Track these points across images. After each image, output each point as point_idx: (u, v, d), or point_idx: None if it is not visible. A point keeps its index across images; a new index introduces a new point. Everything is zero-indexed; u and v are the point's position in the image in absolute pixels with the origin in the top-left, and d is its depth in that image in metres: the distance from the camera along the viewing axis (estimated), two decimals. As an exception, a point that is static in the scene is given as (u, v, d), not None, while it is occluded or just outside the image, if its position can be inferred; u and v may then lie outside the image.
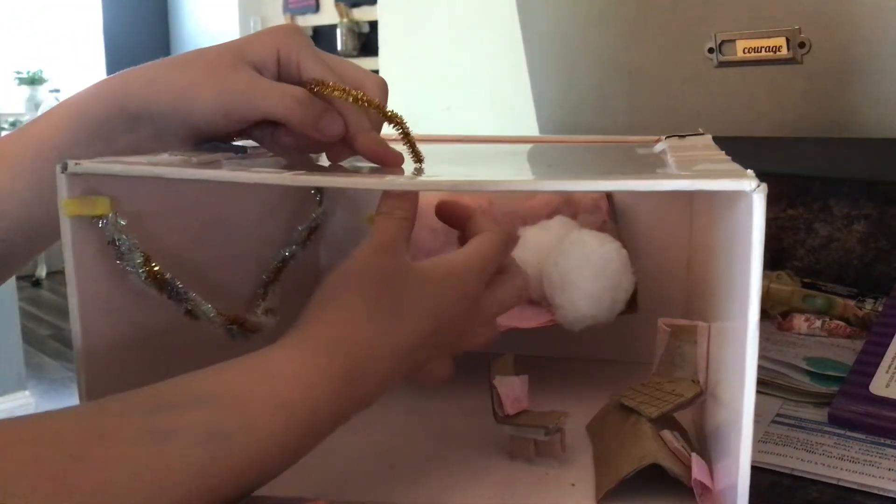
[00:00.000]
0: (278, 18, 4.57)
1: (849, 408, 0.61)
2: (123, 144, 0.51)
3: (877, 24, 0.77)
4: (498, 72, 1.33)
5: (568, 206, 0.72)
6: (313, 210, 0.73)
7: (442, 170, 0.59)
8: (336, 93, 0.50)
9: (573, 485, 0.50)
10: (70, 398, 2.61)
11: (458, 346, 0.50)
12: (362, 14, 4.12)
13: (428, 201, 0.74)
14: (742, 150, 0.53)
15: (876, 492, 0.51)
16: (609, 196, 0.72)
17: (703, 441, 0.53)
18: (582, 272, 0.61)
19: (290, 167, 0.53)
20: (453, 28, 1.41)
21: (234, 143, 0.55)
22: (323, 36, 4.36)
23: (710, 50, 0.86)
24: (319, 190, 0.74)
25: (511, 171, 0.64)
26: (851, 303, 0.82)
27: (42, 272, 4.04)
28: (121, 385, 0.48)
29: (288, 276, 0.66)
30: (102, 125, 0.50)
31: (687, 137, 0.65)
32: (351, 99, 0.51)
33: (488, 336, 0.51)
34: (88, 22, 5.36)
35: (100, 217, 0.46)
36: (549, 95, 1.08)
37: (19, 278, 2.28)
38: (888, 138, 0.80)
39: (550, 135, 1.07)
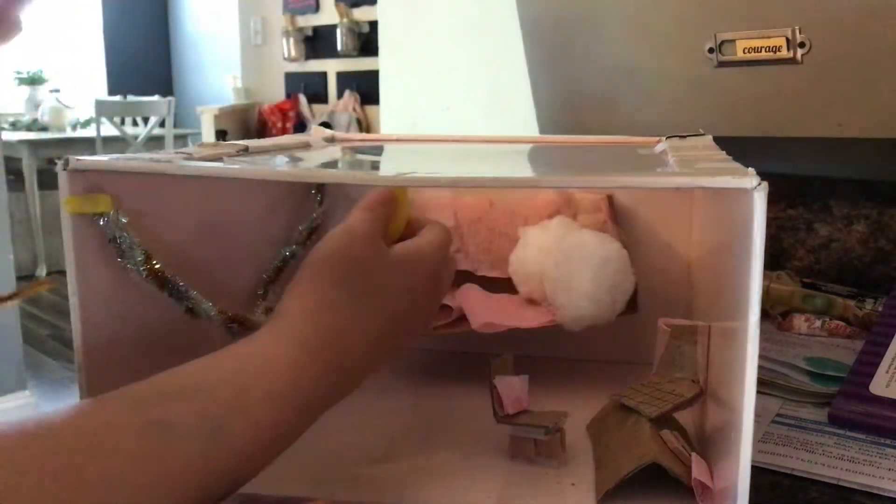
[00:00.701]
0: (278, 18, 4.56)
1: (849, 408, 0.60)
2: None
3: (877, 24, 0.77)
4: (498, 72, 1.33)
5: (568, 206, 0.72)
6: (314, 209, 0.73)
7: (442, 168, 0.59)
8: None
9: (573, 485, 0.50)
10: (70, 398, 2.61)
11: (427, 324, 0.54)
12: (362, 14, 4.12)
13: (428, 200, 0.75)
14: (742, 150, 0.53)
15: (876, 492, 0.51)
16: (609, 196, 0.72)
17: (703, 441, 0.53)
18: (582, 272, 0.61)
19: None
20: (453, 28, 1.41)
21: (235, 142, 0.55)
22: (323, 36, 4.36)
23: (710, 50, 0.86)
24: (320, 189, 0.74)
25: (511, 170, 0.64)
26: (851, 303, 0.82)
27: (42, 272, 4.04)
28: (121, 384, 0.48)
29: (288, 276, 0.66)
30: None
31: (687, 138, 0.65)
32: None
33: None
34: (88, 22, 5.36)
35: (101, 214, 0.46)
36: (549, 95, 1.08)
37: (19, 278, 2.27)
38: (888, 138, 0.80)
39: (550, 135, 1.07)
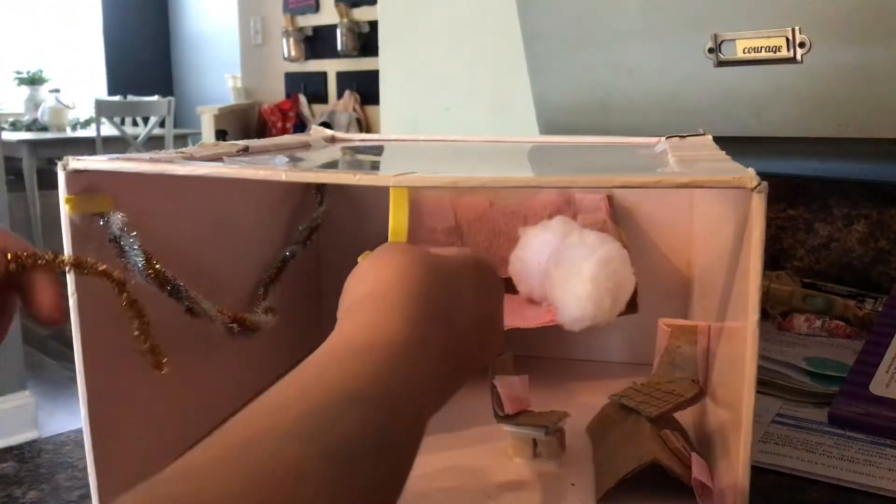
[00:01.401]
0: (278, 18, 4.56)
1: (849, 408, 0.60)
2: None
3: (877, 24, 0.77)
4: (498, 72, 1.33)
5: (568, 206, 0.72)
6: (314, 209, 0.73)
7: (442, 168, 0.59)
8: None
9: (573, 485, 0.50)
10: (70, 398, 2.61)
11: (496, 346, 0.45)
12: (362, 14, 4.12)
13: (428, 200, 0.75)
14: (742, 150, 0.53)
15: (876, 492, 0.51)
16: (609, 196, 0.72)
17: (703, 441, 0.53)
18: (582, 272, 0.61)
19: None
20: (453, 28, 1.41)
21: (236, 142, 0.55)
22: (323, 36, 4.35)
23: (710, 50, 0.86)
24: (320, 190, 0.74)
25: (511, 170, 0.64)
26: (851, 303, 0.82)
27: (42, 272, 4.03)
28: (121, 384, 0.48)
29: (288, 276, 0.66)
30: None
31: (687, 138, 0.65)
32: None
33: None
34: (88, 22, 5.36)
35: (101, 214, 0.46)
36: (549, 96, 1.08)
37: (19, 278, 2.27)
38: (888, 138, 0.80)
39: (551, 135, 1.07)
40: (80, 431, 0.47)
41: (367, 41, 4.10)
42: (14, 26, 5.04)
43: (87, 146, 4.04)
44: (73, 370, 0.46)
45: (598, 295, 0.61)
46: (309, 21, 4.46)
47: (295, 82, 4.59)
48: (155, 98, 4.42)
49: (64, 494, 0.52)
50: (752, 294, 0.37)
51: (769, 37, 0.82)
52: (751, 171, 0.38)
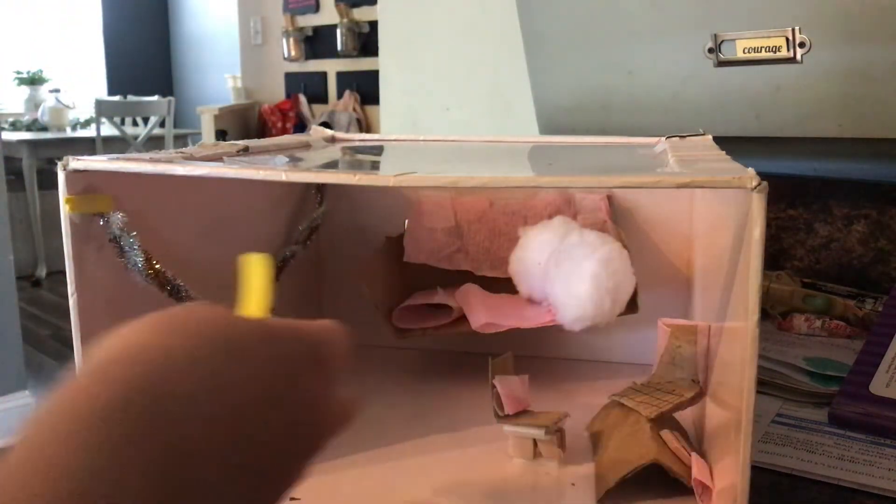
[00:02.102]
0: (278, 18, 4.56)
1: (849, 408, 0.60)
2: None
3: (877, 24, 0.77)
4: (498, 72, 1.33)
5: (568, 206, 0.72)
6: (314, 209, 0.73)
7: (442, 168, 0.59)
8: None
9: (573, 485, 0.50)
10: (70, 398, 2.60)
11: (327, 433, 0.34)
12: (362, 14, 4.11)
13: (429, 200, 0.75)
14: (742, 150, 0.53)
15: (876, 492, 0.51)
16: (609, 196, 0.72)
17: (703, 441, 0.53)
18: (582, 272, 0.61)
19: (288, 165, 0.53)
20: (453, 28, 1.41)
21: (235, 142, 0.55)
22: (323, 36, 4.35)
23: (710, 50, 0.86)
24: (320, 190, 0.74)
25: (511, 170, 0.64)
26: (851, 303, 0.82)
27: (42, 272, 4.03)
28: (121, 384, 0.48)
29: (288, 276, 0.66)
30: None
31: (687, 138, 0.65)
32: None
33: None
34: (88, 22, 5.36)
35: (101, 214, 0.46)
36: (549, 96, 1.08)
37: (19, 278, 2.27)
38: (888, 138, 0.80)
39: (551, 135, 1.07)
40: (80, 431, 0.47)
41: (367, 41, 4.10)
42: (14, 26, 5.04)
43: (87, 146, 4.04)
44: (73, 370, 0.46)
45: (598, 295, 0.61)
46: (309, 21, 4.46)
47: (295, 82, 4.59)
48: (155, 98, 4.42)
49: (64, 494, 0.52)
50: (752, 294, 0.37)
51: (769, 37, 0.82)
52: (751, 171, 0.38)
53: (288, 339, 0.33)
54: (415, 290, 0.73)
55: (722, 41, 0.86)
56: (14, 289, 2.11)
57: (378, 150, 0.77)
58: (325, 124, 3.49)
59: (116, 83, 5.36)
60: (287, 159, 0.61)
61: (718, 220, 0.53)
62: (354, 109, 4.19)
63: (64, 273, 0.46)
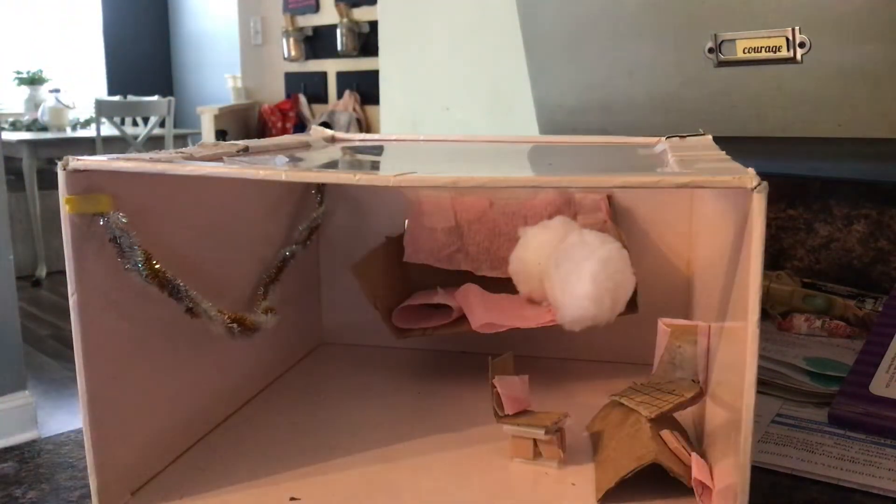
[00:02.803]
0: (278, 18, 4.56)
1: (849, 408, 0.60)
2: None
3: (877, 24, 0.77)
4: (498, 72, 1.33)
5: (568, 206, 0.73)
6: (314, 209, 0.73)
7: (442, 168, 0.59)
8: None
9: (573, 485, 0.50)
10: (70, 398, 2.61)
11: None
12: (362, 14, 4.12)
13: (429, 200, 0.75)
14: (742, 150, 0.53)
15: (876, 492, 0.51)
16: (609, 196, 0.72)
17: (703, 441, 0.53)
18: (582, 272, 0.61)
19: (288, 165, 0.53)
20: (453, 28, 1.41)
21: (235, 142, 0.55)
22: (323, 36, 4.36)
23: (710, 50, 0.86)
24: (320, 190, 0.74)
25: (511, 170, 0.64)
26: (851, 303, 0.82)
27: (42, 272, 4.03)
28: (121, 384, 0.48)
29: (288, 276, 0.66)
30: None
31: (687, 138, 0.65)
32: None
33: None
34: (88, 22, 5.36)
35: (101, 214, 0.46)
36: (549, 96, 1.08)
37: (19, 278, 2.27)
38: (888, 138, 0.80)
39: (550, 135, 1.07)
40: (80, 431, 0.47)
41: (367, 41, 4.11)
42: (14, 26, 5.04)
43: (87, 146, 4.04)
44: (73, 370, 0.46)
45: (598, 295, 0.61)
46: (309, 21, 4.46)
47: (295, 82, 4.59)
48: (155, 98, 4.42)
49: (64, 494, 0.52)
50: (752, 294, 0.37)
51: (769, 37, 0.82)
52: (751, 171, 0.38)
53: None
54: (415, 290, 0.73)
55: (722, 41, 0.86)
56: (14, 289, 2.11)
57: (378, 150, 0.77)
58: (325, 124, 3.49)
59: (116, 83, 5.36)
60: (287, 159, 0.61)
61: (718, 220, 0.53)
62: (354, 109, 4.19)
63: (64, 273, 0.46)
